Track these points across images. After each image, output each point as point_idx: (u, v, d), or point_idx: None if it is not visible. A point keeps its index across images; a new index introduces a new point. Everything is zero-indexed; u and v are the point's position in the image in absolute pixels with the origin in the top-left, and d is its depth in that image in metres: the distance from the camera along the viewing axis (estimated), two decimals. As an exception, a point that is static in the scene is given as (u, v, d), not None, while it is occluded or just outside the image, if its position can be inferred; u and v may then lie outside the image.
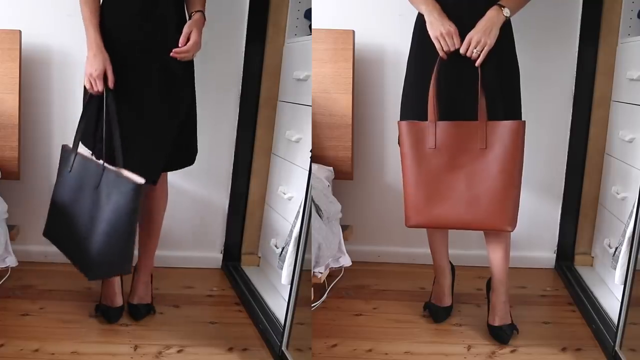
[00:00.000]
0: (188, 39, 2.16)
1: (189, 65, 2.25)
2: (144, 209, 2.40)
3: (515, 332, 2.27)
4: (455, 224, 2.13)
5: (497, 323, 2.27)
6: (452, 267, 2.45)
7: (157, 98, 2.16)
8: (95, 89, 2.08)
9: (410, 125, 2.14)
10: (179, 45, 2.15)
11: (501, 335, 2.25)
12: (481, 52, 2.04)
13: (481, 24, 2.04)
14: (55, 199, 2.20)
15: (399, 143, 2.19)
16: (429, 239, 2.41)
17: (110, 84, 2.08)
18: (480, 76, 2.06)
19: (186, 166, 2.37)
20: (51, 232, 2.22)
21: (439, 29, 2.06)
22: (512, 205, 2.08)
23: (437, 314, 2.41)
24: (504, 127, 2.06)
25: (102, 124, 2.09)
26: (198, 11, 2.22)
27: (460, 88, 2.12)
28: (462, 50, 2.06)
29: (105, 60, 2.08)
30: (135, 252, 2.45)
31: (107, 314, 2.37)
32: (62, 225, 2.15)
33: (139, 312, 2.38)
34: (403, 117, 2.24)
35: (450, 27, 2.06)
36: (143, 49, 2.13)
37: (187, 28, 2.17)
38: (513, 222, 2.10)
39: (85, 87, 2.15)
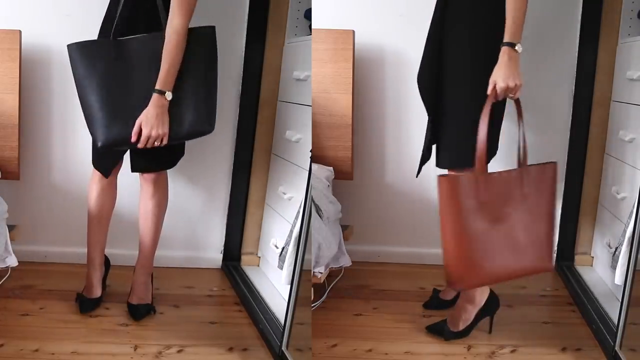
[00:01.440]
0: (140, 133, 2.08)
1: None
2: (144, 210, 2.41)
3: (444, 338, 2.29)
4: (505, 277, 2.02)
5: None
6: None
7: None
8: None
9: (451, 180, 1.93)
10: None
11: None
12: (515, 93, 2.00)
13: (503, 69, 1.98)
14: (107, 96, 2.08)
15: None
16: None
17: None
18: (521, 118, 2.03)
19: (167, 169, 2.37)
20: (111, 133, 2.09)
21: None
22: (552, 245, 2.06)
23: (438, 305, 2.48)
24: (543, 170, 2.03)
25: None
26: (157, 91, 2.07)
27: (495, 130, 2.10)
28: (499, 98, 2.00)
29: None
30: (135, 253, 2.46)
31: (82, 304, 2.39)
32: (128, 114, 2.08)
33: (139, 312, 2.38)
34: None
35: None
36: None
37: (138, 121, 2.07)
38: (552, 260, 2.09)
39: None
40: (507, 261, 1.98)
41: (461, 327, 2.27)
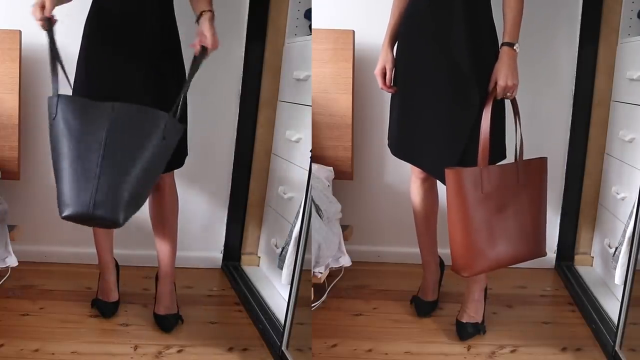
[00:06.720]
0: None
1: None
2: (157, 216, 2.32)
3: (481, 332, 2.28)
4: (506, 262, 2.11)
5: (464, 319, 2.29)
6: (442, 263, 2.48)
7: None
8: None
9: (457, 173, 2.02)
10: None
11: (461, 331, 2.27)
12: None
13: (504, 68, 2.03)
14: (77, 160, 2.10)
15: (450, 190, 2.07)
16: (418, 235, 2.44)
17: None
18: (518, 115, 2.11)
19: (176, 168, 2.33)
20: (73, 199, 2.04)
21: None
22: (544, 232, 2.19)
23: (420, 307, 2.45)
24: (535, 164, 2.13)
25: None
26: None
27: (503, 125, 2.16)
28: (499, 97, 2.07)
29: None
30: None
31: (102, 309, 2.37)
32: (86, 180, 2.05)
33: (169, 323, 2.30)
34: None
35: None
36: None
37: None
38: (545, 247, 2.22)
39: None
40: (508, 247, 2.09)
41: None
